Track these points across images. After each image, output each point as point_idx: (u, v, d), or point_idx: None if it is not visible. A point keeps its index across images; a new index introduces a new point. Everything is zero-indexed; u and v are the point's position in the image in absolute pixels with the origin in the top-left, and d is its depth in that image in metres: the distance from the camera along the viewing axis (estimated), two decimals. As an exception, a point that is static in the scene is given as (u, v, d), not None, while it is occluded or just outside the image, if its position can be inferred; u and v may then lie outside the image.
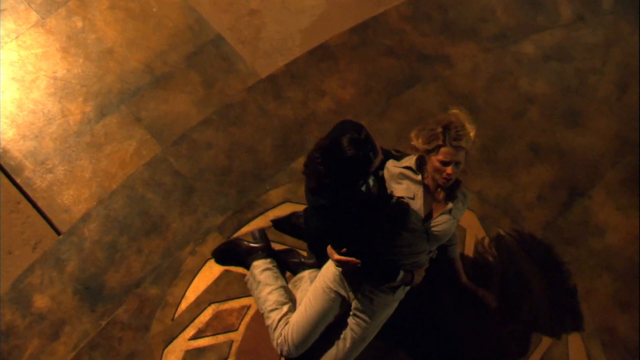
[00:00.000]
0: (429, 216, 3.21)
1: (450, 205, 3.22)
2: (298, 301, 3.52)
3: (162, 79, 4.44)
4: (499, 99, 4.58)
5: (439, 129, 3.05)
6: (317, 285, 3.36)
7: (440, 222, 3.22)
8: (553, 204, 4.22)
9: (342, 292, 3.29)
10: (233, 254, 3.79)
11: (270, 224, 3.95)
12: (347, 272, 3.25)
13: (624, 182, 4.33)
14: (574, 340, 3.78)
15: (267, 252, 3.75)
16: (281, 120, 4.35)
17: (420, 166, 3.23)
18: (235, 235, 3.92)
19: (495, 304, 3.75)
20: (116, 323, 3.65)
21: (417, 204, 3.19)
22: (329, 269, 3.34)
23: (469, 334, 3.74)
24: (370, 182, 3.14)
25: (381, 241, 3.19)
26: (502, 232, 4.04)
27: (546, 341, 3.76)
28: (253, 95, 4.41)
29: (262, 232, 3.86)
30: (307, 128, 4.33)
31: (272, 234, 3.91)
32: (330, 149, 2.87)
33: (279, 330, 3.39)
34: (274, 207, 4.01)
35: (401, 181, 3.24)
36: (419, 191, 3.20)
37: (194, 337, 3.63)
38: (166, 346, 3.60)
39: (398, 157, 3.34)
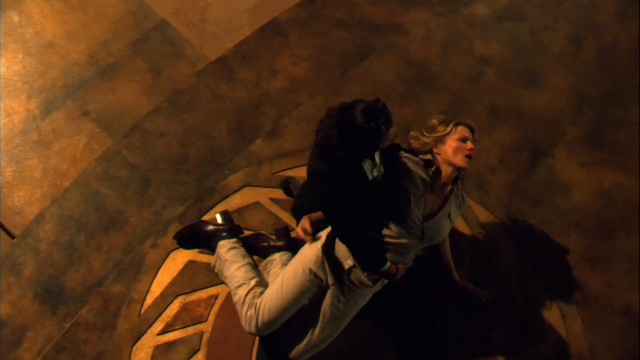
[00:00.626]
0: (429, 216, 3.21)
1: (451, 206, 3.27)
2: (270, 284, 3.46)
3: (108, 69, 4.35)
4: (454, 63, 4.58)
5: (448, 117, 3.28)
6: (296, 265, 3.30)
7: (438, 224, 3.25)
8: (516, 166, 4.23)
9: (322, 276, 3.24)
10: (197, 237, 3.76)
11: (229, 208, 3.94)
12: (330, 255, 3.23)
13: (585, 138, 4.36)
14: (547, 302, 3.79)
15: (232, 232, 3.72)
16: (234, 102, 4.29)
17: (429, 166, 3.23)
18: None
19: (485, 300, 3.73)
20: (80, 324, 3.55)
21: (421, 201, 3.16)
22: (311, 250, 3.29)
23: (455, 327, 3.74)
24: (377, 160, 3.11)
25: (375, 230, 3.17)
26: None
27: (520, 305, 3.77)
28: (204, 80, 4.35)
29: (226, 213, 3.82)
30: (262, 109, 4.28)
31: (236, 220, 3.87)
32: (345, 113, 2.84)
33: (247, 305, 3.35)
34: (235, 192, 3.97)
35: (411, 175, 3.18)
36: (425, 188, 3.17)
37: (163, 332, 3.57)
38: (134, 343, 3.53)
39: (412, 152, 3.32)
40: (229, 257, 3.57)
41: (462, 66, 4.55)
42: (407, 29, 4.66)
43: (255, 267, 3.59)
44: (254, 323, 3.31)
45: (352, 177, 2.98)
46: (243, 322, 3.37)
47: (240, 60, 4.44)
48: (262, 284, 3.47)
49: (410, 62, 4.54)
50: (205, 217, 3.87)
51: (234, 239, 3.69)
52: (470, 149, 3.14)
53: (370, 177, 3.05)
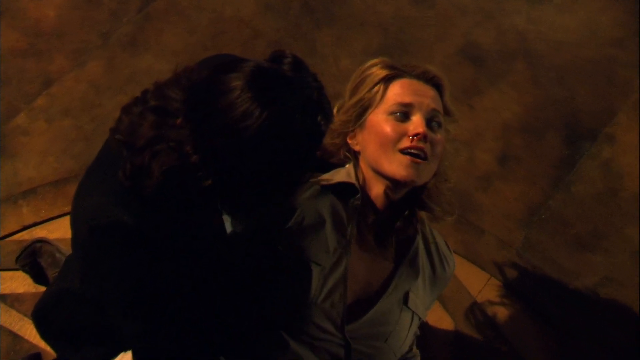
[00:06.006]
0: (361, 307, 1.90)
1: (410, 277, 1.93)
2: None
3: None
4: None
5: (377, 64, 1.97)
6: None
7: (386, 323, 1.92)
8: (537, 168, 2.89)
9: None
10: None
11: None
12: None
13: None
14: None
15: None
16: None
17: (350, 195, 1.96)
18: None
19: None
20: None
21: (335, 275, 1.84)
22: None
23: None
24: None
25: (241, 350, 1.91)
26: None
27: None
28: None
29: None
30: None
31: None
32: (223, 104, 1.47)
33: None
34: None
35: (311, 220, 1.94)
36: (344, 245, 1.87)
37: None
38: None
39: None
40: None
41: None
42: None
43: None
44: None
45: (198, 234, 1.80)
46: None
47: None
48: None
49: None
50: None
51: None
52: (417, 134, 1.78)
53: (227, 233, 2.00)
